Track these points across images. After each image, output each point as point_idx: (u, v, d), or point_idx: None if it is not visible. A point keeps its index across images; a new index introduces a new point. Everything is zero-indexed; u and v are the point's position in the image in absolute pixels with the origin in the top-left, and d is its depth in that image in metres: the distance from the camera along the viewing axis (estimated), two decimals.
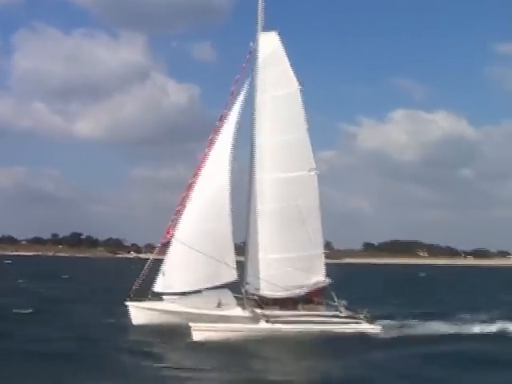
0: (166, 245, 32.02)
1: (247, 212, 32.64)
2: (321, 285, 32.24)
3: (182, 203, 31.88)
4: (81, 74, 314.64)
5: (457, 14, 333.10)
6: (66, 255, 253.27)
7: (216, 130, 32.26)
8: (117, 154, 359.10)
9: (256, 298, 32.30)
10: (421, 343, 30.20)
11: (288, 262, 32.06)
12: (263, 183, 32.44)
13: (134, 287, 31.70)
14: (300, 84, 32.68)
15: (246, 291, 31.80)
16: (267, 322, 30.22)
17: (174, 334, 29.39)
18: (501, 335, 32.81)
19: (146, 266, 32.18)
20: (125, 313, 31.67)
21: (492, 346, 29.94)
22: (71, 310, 38.22)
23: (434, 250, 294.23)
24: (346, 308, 31.72)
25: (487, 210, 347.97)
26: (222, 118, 32.28)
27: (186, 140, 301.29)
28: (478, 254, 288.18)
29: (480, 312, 40.39)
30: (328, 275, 32.38)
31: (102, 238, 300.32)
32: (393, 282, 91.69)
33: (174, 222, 31.85)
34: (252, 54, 32.92)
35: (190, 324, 28.88)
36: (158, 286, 31.48)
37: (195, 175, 32.04)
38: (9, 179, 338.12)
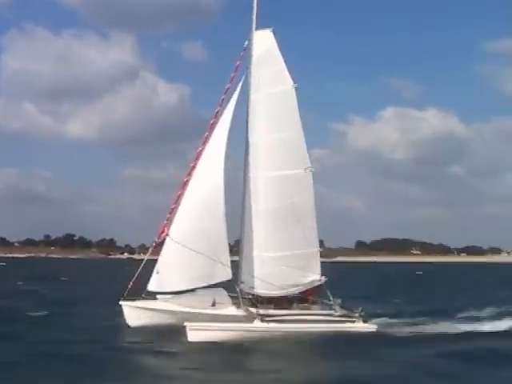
0: (160, 244, 31.86)
1: (241, 210, 32.45)
2: (316, 283, 32.03)
3: (177, 202, 31.72)
4: (71, 75, 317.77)
5: (447, 13, 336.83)
6: (59, 256, 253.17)
7: (210, 128, 32.10)
8: (108, 154, 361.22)
9: (250, 296, 32.13)
10: (434, 341, 30.19)
11: (283, 260, 31.87)
12: (258, 181, 32.26)
13: (128, 287, 31.56)
14: (294, 82, 32.54)
15: (240, 290, 31.57)
16: (262, 321, 30.03)
17: (168, 333, 29.28)
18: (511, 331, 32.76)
19: (141, 266, 31.99)
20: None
21: (504, 342, 29.85)
22: (80, 312, 37.87)
23: (426, 248, 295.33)
24: (341, 307, 31.53)
25: (478, 206, 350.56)
26: (216, 116, 32.11)
27: (176, 140, 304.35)
28: (471, 250, 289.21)
29: (487, 308, 40.66)
30: (323, 274, 32.25)
31: (94, 238, 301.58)
32: (390, 280, 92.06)
33: (169, 221, 31.71)
34: (246, 52, 32.77)
35: (185, 324, 28.71)
36: (152, 285, 31.27)
37: (189, 174, 31.86)
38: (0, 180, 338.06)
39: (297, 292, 32.07)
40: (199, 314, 30.03)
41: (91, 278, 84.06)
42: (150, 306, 31.40)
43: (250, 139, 32.53)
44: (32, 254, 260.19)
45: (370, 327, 31.25)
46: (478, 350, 27.52)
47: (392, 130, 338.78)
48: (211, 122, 32.12)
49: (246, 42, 32.77)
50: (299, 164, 32.10)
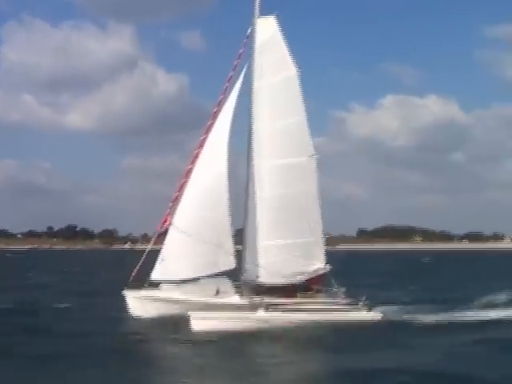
0: (163, 233, 31.72)
1: (245, 199, 32.22)
2: (320, 272, 31.87)
3: (180, 190, 31.55)
4: (70, 66, 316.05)
5: None
6: (62, 248, 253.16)
7: (213, 116, 31.87)
8: (108, 144, 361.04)
9: (254, 285, 31.96)
10: (464, 328, 30.19)
11: (287, 248, 31.71)
12: (261, 169, 32.02)
13: (131, 276, 31.48)
14: (298, 68, 32.27)
15: (244, 279, 31.44)
16: (266, 310, 29.92)
17: (173, 322, 29.23)
18: None
19: (144, 255, 31.88)
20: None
21: None
22: (100, 303, 37.37)
23: (428, 235, 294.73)
24: (346, 295, 31.40)
25: (480, 193, 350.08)
26: (219, 104, 31.90)
27: (175, 130, 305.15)
28: (473, 237, 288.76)
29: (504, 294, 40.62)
30: (328, 262, 32.05)
31: (96, 229, 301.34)
32: (398, 267, 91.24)
33: (172, 210, 31.55)
34: (249, 39, 32.49)
35: (189, 313, 28.60)
36: (156, 274, 31.24)
37: (193, 162, 31.67)
38: (0, 172, 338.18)
39: (301, 281, 31.85)
40: (203, 302, 29.95)
41: (99, 269, 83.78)
42: (153, 295, 31.30)
43: (254, 126, 32.26)
44: (35, 246, 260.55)
45: (374, 316, 31.10)
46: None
47: (392, 118, 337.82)
48: (214, 110, 31.95)
49: (249, 29, 32.50)
50: (303, 151, 31.87)
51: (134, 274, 31.56)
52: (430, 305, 36.68)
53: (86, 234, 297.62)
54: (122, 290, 31.54)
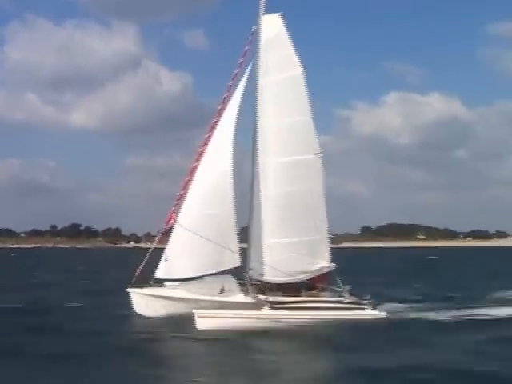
0: (167, 232, 31.65)
1: (250, 197, 32.08)
2: (326, 270, 31.75)
3: (185, 188, 31.46)
4: (73, 65, 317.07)
5: None
6: (66, 246, 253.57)
7: (218, 113, 31.76)
8: (111, 143, 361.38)
9: (259, 283, 31.86)
10: (479, 326, 30.14)
11: (292, 246, 31.58)
12: (267, 167, 31.87)
13: (135, 274, 31.44)
14: (303, 67, 32.15)
15: (249, 277, 31.36)
16: (271, 308, 29.87)
17: (177, 320, 29.15)
18: None
19: (148, 254, 31.86)
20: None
21: None
22: (111, 302, 36.49)
23: (432, 233, 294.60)
24: (351, 294, 31.27)
25: (483, 190, 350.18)
26: (224, 102, 31.78)
27: (179, 128, 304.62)
28: (477, 234, 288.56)
29: None
30: (333, 260, 31.93)
31: (100, 228, 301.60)
32: (405, 265, 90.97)
33: (177, 208, 31.47)
34: (254, 36, 32.33)
35: (194, 311, 28.55)
36: (161, 272, 31.12)
37: (197, 159, 31.58)
38: (3, 171, 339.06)
39: (306, 279, 31.74)
40: (207, 300, 29.90)
41: (106, 268, 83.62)
42: (157, 293, 31.25)
43: (259, 124, 32.08)
44: (39, 245, 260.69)
45: (379, 314, 31.02)
46: None
47: (395, 115, 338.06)
48: (219, 107, 31.81)
49: (254, 27, 32.32)
50: (309, 149, 31.72)
51: (138, 272, 31.48)
52: (442, 303, 36.78)
53: (90, 233, 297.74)
54: (127, 288, 31.50)
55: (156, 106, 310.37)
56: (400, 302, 36.68)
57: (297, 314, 29.88)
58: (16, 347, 24.42)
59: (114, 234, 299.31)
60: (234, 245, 30.66)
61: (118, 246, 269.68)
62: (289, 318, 29.56)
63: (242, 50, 32.03)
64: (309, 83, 32.06)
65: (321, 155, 31.80)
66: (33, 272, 72.92)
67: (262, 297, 30.42)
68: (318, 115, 32.11)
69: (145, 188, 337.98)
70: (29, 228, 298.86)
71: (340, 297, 31.17)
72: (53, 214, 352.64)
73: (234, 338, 26.73)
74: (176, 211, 31.40)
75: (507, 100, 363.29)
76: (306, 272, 31.61)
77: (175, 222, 31.18)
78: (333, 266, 31.69)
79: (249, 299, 30.31)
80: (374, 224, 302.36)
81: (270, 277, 31.53)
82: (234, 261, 30.69)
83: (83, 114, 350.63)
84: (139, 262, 31.82)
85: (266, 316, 29.55)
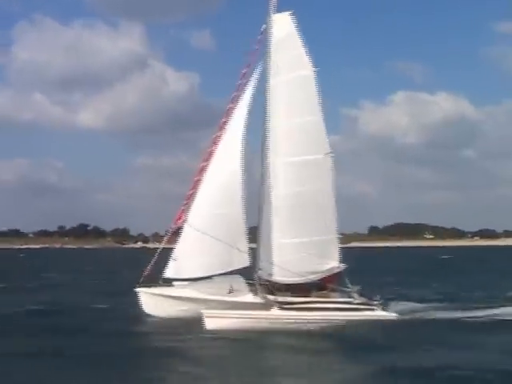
0: (176, 231, 31.55)
1: (260, 196, 31.94)
2: (335, 270, 31.56)
3: (194, 187, 31.35)
4: (81, 65, 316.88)
5: None
6: (74, 247, 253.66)
7: (228, 113, 31.63)
8: (119, 143, 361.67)
9: (268, 283, 31.72)
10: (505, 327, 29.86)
11: (302, 247, 31.40)
12: (277, 167, 31.70)
13: (144, 274, 31.38)
14: (314, 66, 31.97)
15: (258, 277, 31.21)
16: (280, 308, 29.74)
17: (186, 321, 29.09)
18: None
19: (157, 253, 31.76)
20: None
21: None
22: (133, 303, 34.49)
23: (439, 232, 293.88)
24: (360, 294, 31.11)
25: (491, 189, 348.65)
26: (233, 101, 31.64)
27: (186, 128, 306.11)
28: (484, 234, 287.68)
29: None
30: (342, 261, 31.74)
31: (108, 228, 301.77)
32: (419, 265, 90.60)
33: (186, 207, 31.36)
34: (264, 35, 32.15)
35: (203, 311, 28.46)
36: (170, 272, 31.01)
37: (207, 159, 31.45)
38: (12, 171, 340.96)
39: (315, 279, 31.57)
40: (216, 300, 29.81)
41: (119, 268, 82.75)
42: (166, 293, 31.17)
43: (270, 124, 31.89)
44: (47, 245, 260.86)
45: (389, 315, 30.84)
46: None
47: (402, 114, 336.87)
48: (229, 107, 31.67)
49: (264, 26, 32.12)
50: (319, 149, 31.53)
51: (147, 271, 31.43)
52: (465, 302, 36.63)
53: (98, 233, 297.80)
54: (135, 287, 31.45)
55: (163, 106, 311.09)
56: (422, 301, 36.63)
57: (306, 314, 29.77)
58: (51, 348, 24.40)
59: (121, 234, 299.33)
60: (244, 245, 30.54)
61: (126, 246, 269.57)
62: (298, 319, 29.44)
63: (251, 49, 31.98)
64: (318, 83, 31.94)
65: (331, 155, 31.65)
66: (45, 273, 72.61)
67: (271, 297, 30.31)
68: (327, 115, 31.89)
69: (152, 188, 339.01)
70: (37, 228, 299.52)
71: (349, 297, 31.00)
72: (61, 214, 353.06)
73: (241, 338, 26.71)
74: (185, 211, 31.31)
75: None
76: (315, 272, 31.44)
77: (184, 221, 31.08)
78: (342, 266, 31.51)
79: (258, 299, 30.20)
80: (381, 224, 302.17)
81: (280, 277, 31.38)
82: (244, 261, 30.58)
83: (91, 114, 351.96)
84: (151, 261, 31.74)
85: (275, 316, 29.42)
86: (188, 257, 30.79)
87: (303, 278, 31.24)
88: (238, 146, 31.01)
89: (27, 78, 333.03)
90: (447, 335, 27.56)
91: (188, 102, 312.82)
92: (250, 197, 31.55)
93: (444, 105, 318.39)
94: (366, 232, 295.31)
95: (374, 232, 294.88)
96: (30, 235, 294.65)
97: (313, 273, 31.44)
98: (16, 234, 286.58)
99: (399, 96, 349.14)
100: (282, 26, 32.09)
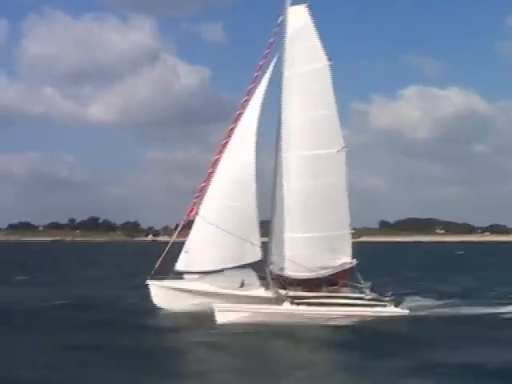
0: (188, 224, 31.39)
1: (272, 190, 31.69)
2: (347, 266, 31.28)
3: (207, 180, 31.17)
4: (92, 58, 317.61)
5: None
6: (84, 240, 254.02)
7: (243, 105, 31.43)
8: (129, 136, 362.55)
9: (279, 278, 31.50)
10: None
11: (314, 241, 31.16)
12: (290, 160, 31.42)
13: (155, 267, 31.27)
14: (329, 59, 31.69)
15: (270, 271, 31.02)
16: (291, 303, 29.56)
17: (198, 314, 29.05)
18: None
19: (168, 246, 31.63)
20: None
21: None
22: None
23: (450, 227, 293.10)
24: (372, 290, 30.86)
25: (503, 184, 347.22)
26: (249, 93, 31.43)
27: (197, 122, 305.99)
28: (495, 229, 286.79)
29: None
30: (354, 256, 31.45)
31: (118, 221, 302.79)
32: (437, 260, 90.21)
33: (198, 200, 31.19)
34: (280, 28, 31.90)
35: (214, 305, 28.31)
36: (181, 265, 30.90)
37: (220, 152, 31.26)
38: (23, 165, 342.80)
39: (327, 274, 31.31)
40: (228, 294, 29.68)
41: (135, 261, 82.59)
42: (177, 286, 31.05)
43: (283, 116, 31.62)
44: (57, 238, 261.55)
45: (401, 311, 30.59)
46: None
47: (414, 109, 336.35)
48: (244, 99, 31.45)
49: (281, 18, 31.85)
50: (333, 143, 31.24)
51: (158, 264, 31.27)
52: (492, 298, 36.61)
53: (108, 227, 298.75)
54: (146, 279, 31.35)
55: (174, 100, 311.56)
56: (449, 297, 36.58)
57: (317, 309, 29.59)
58: (94, 343, 24.25)
59: (132, 228, 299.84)
60: (256, 238, 30.37)
61: (137, 239, 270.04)
62: (309, 314, 29.26)
63: (268, 41, 31.68)
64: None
65: (345, 149, 31.37)
66: (64, 266, 72.92)
67: (282, 291, 30.11)
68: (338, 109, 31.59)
69: (163, 182, 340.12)
70: (47, 221, 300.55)
71: (361, 293, 30.77)
72: (71, 207, 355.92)
73: (254, 332, 26.50)
74: (197, 203, 31.14)
75: None
76: (327, 267, 31.19)
77: (196, 213, 30.92)
78: (354, 261, 31.25)
79: (269, 294, 30.03)
80: (391, 218, 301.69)
81: (291, 272, 31.18)
82: (255, 254, 30.41)
83: (101, 107, 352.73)
84: (166, 255, 31.54)
85: (287, 311, 29.25)
86: (199, 250, 30.64)
87: (315, 273, 31.00)
88: (252, 138, 30.81)
89: (38, 72, 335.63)
90: (484, 331, 27.42)
91: (199, 96, 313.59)
92: (261, 190, 31.42)
93: (456, 99, 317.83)
94: (377, 227, 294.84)
95: (385, 227, 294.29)
96: (41, 228, 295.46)
97: (325, 268, 31.18)
98: (27, 226, 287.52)
99: (410, 90, 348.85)
100: (298, 18, 31.79)
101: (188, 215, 31.38)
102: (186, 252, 30.82)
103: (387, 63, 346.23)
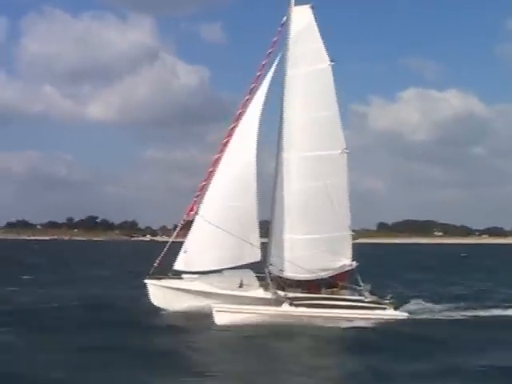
0: (187, 224, 31.23)
1: (273, 190, 31.54)
2: (347, 268, 31.11)
3: (207, 179, 31.01)
4: (91, 57, 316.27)
5: None
6: (82, 239, 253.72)
7: (244, 104, 31.28)
8: (129, 136, 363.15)
9: (278, 279, 31.32)
10: None
11: (314, 243, 30.98)
12: (291, 161, 31.24)
13: (153, 266, 31.12)
14: (331, 60, 31.54)
15: (269, 272, 30.84)
16: (290, 304, 29.40)
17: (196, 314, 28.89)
18: None
19: (167, 246, 31.47)
20: None
21: None
22: None
23: (448, 229, 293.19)
24: (371, 293, 30.70)
25: (501, 187, 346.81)
26: (251, 92, 31.29)
27: (196, 122, 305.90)
28: (493, 232, 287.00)
29: None
30: (354, 258, 31.29)
31: (116, 220, 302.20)
32: (441, 262, 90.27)
33: (198, 199, 31.03)
34: (284, 28, 31.75)
35: (213, 306, 28.16)
36: (180, 264, 30.75)
37: (221, 151, 31.11)
38: (22, 163, 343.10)
39: (327, 276, 31.10)
40: (226, 295, 29.55)
41: (135, 261, 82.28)
42: (176, 286, 30.89)
43: (285, 115, 31.46)
44: (55, 237, 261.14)
45: (400, 314, 30.47)
46: None
47: (412, 111, 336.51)
48: (246, 98, 31.33)
49: (284, 18, 31.70)
50: (334, 145, 31.06)
51: (156, 264, 31.12)
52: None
53: (106, 226, 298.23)
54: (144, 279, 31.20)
55: (173, 99, 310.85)
56: (462, 300, 36.72)
57: (316, 311, 29.41)
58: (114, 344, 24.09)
59: (130, 227, 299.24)
60: (256, 239, 30.26)
61: (135, 239, 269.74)
62: (308, 315, 29.09)
63: (271, 41, 31.53)
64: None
65: (346, 151, 31.20)
66: (68, 265, 72.52)
67: (281, 293, 29.96)
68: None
69: (161, 181, 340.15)
70: (45, 220, 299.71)
71: (360, 295, 30.62)
72: (70, 206, 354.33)
73: (253, 334, 26.38)
74: (197, 202, 30.99)
75: None
76: (327, 269, 31.00)
77: (196, 213, 30.76)
78: (354, 264, 31.09)
79: (268, 295, 29.87)
80: (390, 220, 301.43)
81: (291, 273, 31.01)
82: (255, 255, 30.28)
83: (100, 106, 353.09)
84: (168, 255, 31.33)
85: (286, 312, 29.10)
86: (199, 249, 30.49)
87: (314, 275, 30.83)
88: (253, 137, 30.68)
89: (37, 70, 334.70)
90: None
91: (198, 96, 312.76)
92: (261, 189, 31.28)
93: (454, 102, 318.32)
94: (375, 228, 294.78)
95: (383, 228, 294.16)
96: (38, 226, 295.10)
97: (325, 270, 30.99)
98: (25, 225, 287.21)
99: (409, 93, 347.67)
100: (302, 19, 31.65)
101: (188, 214, 31.19)
102: (185, 252, 30.67)
103: (387, 65, 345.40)
